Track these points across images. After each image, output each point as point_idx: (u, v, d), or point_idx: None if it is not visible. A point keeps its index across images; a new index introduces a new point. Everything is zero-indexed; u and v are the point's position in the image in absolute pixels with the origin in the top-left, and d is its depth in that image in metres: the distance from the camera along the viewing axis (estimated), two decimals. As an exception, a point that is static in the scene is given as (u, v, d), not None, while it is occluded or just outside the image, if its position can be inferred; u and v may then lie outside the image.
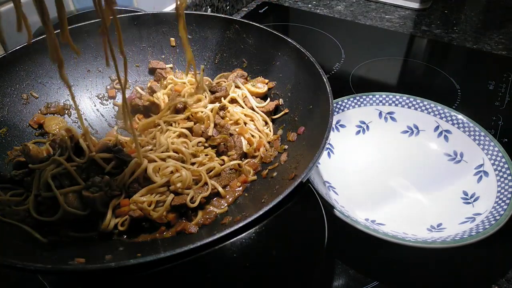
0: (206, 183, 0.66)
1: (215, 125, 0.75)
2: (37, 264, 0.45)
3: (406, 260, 0.71)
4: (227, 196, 0.66)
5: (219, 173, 0.70)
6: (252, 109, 0.81)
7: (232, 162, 0.70)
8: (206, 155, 0.71)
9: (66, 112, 0.81)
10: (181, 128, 0.74)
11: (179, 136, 0.73)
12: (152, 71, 0.91)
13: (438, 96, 0.94)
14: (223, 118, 0.78)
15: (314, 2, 1.56)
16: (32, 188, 0.63)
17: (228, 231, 0.46)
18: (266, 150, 0.75)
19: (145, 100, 0.82)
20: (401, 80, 1.17)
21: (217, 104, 0.78)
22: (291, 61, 0.80)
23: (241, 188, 0.68)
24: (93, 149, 0.65)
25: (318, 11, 1.50)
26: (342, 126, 0.90)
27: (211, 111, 0.76)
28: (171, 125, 0.76)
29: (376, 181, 0.83)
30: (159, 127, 0.75)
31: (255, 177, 0.70)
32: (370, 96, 0.92)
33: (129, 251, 0.58)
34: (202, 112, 0.75)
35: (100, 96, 0.86)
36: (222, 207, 0.65)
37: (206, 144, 0.74)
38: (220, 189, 0.66)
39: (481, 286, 0.68)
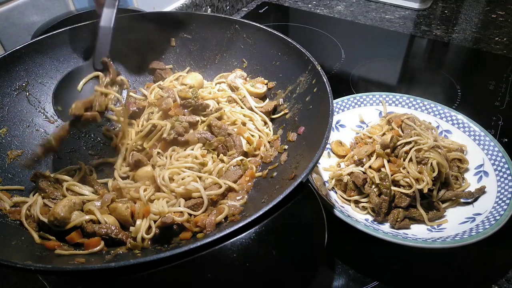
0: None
1: (212, 127, 0.75)
2: (37, 264, 0.45)
3: (406, 260, 0.71)
4: (240, 191, 0.68)
5: (226, 171, 0.71)
6: (251, 109, 0.81)
7: (235, 159, 0.72)
8: (213, 156, 0.73)
9: None
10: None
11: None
12: (152, 71, 0.90)
13: (438, 96, 0.94)
14: (219, 119, 0.77)
15: (314, 2, 1.56)
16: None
17: (228, 231, 0.46)
18: (266, 150, 0.75)
19: (138, 104, 0.82)
20: (401, 80, 1.17)
21: (198, 118, 0.77)
22: (291, 61, 0.80)
23: (250, 183, 0.69)
24: None
25: (318, 11, 1.50)
26: (342, 126, 0.90)
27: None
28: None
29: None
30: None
31: (261, 173, 0.71)
32: (370, 96, 0.92)
33: (129, 251, 0.59)
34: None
35: (100, 96, 0.86)
36: (239, 198, 0.67)
37: (204, 148, 0.74)
38: (231, 184, 0.68)
39: (481, 286, 0.68)
